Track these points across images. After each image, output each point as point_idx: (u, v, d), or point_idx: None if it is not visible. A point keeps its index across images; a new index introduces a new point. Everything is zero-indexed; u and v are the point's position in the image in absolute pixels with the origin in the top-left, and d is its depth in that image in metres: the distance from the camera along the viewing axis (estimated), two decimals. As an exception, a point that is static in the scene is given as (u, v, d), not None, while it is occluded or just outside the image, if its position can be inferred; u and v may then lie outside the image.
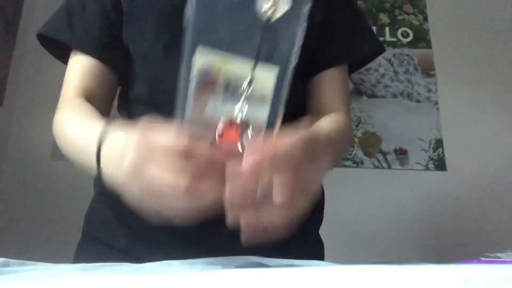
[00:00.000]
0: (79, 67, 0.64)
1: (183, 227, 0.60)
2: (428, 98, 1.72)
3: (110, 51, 0.63)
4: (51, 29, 0.65)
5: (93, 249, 0.65)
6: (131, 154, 0.40)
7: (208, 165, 0.39)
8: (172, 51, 0.61)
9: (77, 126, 0.58)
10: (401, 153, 1.65)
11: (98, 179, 0.69)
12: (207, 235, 0.62)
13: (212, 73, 0.43)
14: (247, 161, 0.38)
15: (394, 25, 1.82)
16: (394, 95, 1.72)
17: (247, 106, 0.44)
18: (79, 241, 0.69)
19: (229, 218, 0.41)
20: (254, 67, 0.43)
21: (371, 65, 1.75)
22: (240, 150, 0.43)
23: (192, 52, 0.42)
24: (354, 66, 0.73)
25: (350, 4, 0.74)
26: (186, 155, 0.38)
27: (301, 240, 0.68)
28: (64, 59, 0.67)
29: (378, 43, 0.72)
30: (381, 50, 0.72)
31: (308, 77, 0.70)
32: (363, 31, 0.73)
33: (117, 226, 0.64)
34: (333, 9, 0.67)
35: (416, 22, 1.83)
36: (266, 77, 0.44)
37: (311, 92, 0.70)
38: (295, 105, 0.69)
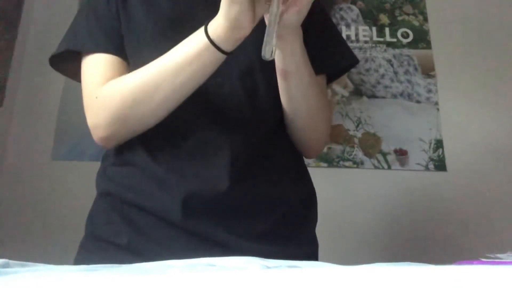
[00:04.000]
0: (100, 64, 0.66)
1: (185, 224, 0.62)
2: (428, 99, 1.72)
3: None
4: (74, 43, 0.69)
5: (96, 247, 0.66)
6: None
7: None
8: None
9: (155, 60, 0.61)
10: (401, 154, 1.65)
11: (101, 177, 0.71)
12: (209, 232, 0.63)
13: None
14: None
15: (394, 25, 1.82)
16: (394, 96, 1.72)
17: None
18: (81, 241, 0.70)
19: None
20: None
21: (371, 65, 1.76)
22: None
23: None
24: (330, 78, 0.80)
25: (327, 20, 0.82)
26: None
27: (296, 238, 0.69)
28: (67, 71, 0.73)
29: (353, 55, 0.80)
30: (356, 62, 0.80)
31: None
32: (340, 44, 0.81)
33: (120, 224, 0.65)
34: (313, 24, 0.71)
35: (416, 23, 1.83)
36: None
37: None
38: (278, 113, 0.71)
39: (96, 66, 0.66)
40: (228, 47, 0.57)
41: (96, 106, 0.64)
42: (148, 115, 0.62)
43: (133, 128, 0.64)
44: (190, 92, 0.61)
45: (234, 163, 0.65)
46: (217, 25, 0.55)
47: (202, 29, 0.57)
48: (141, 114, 0.62)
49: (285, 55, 0.61)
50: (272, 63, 0.66)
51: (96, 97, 0.64)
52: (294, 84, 0.64)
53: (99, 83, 0.64)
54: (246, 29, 0.55)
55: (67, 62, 0.70)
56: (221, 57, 0.57)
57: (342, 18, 1.81)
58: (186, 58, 0.58)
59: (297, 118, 0.69)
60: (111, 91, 0.63)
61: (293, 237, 0.69)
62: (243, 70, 0.67)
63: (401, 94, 1.73)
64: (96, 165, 0.75)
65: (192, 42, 0.58)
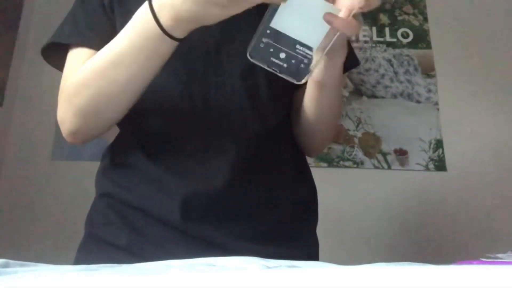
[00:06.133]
0: (80, 58, 0.64)
1: (184, 226, 0.62)
2: (428, 99, 1.72)
3: None
4: (59, 36, 0.67)
5: (95, 247, 0.66)
6: None
7: None
8: None
9: (107, 46, 0.57)
10: (401, 154, 1.65)
11: (100, 178, 0.70)
12: (209, 234, 0.63)
13: None
14: None
15: (394, 25, 1.82)
16: (394, 96, 1.73)
17: None
18: (81, 241, 0.70)
19: None
20: None
21: (371, 65, 1.76)
22: None
23: None
24: None
25: None
26: None
27: (297, 239, 0.69)
28: (62, 66, 0.69)
29: (355, 57, 0.78)
30: (356, 64, 0.78)
31: (296, 87, 0.72)
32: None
33: (119, 225, 0.65)
34: None
35: (416, 23, 1.83)
36: None
37: (299, 101, 0.72)
38: (285, 113, 0.71)
39: (76, 60, 0.64)
40: (182, 36, 0.51)
41: (61, 100, 0.62)
42: (106, 110, 0.59)
43: (95, 123, 0.62)
44: (149, 80, 0.56)
45: (235, 164, 0.64)
46: (174, 18, 0.49)
47: (149, 16, 0.50)
48: (100, 108, 0.59)
49: (325, 69, 0.58)
50: None
51: (62, 92, 0.62)
52: (326, 95, 0.64)
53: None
54: (213, 23, 0.49)
55: (61, 57, 0.68)
56: (175, 44, 0.52)
57: (342, 18, 1.81)
58: (138, 47, 0.53)
59: (316, 123, 0.69)
60: (71, 85, 0.60)
61: (294, 238, 0.69)
62: (245, 69, 0.65)
63: (401, 94, 1.73)
64: (96, 165, 0.75)
65: (140, 30, 0.52)
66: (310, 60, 0.46)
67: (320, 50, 0.46)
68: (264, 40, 0.45)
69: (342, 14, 0.45)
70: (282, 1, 0.43)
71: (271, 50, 0.45)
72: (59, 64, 0.68)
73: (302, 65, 0.46)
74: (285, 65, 0.46)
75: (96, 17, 0.66)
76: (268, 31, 0.45)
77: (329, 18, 0.44)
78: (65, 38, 0.66)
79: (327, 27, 0.45)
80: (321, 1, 0.44)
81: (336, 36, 0.45)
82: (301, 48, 0.46)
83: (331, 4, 0.45)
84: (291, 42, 0.45)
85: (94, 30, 0.65)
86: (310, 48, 0.46)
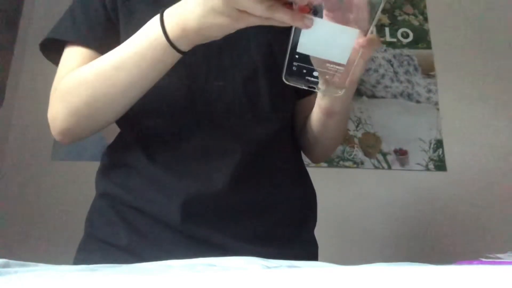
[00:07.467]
0: (76, 57, 0.64)
1: (184, 227, 0.62)
2: (428, 99, 1.72)
3: (114, 44, 0.63)
4: (57, 32, 0.67)
5: (95, 248, 0.66)
6: None
7: None
8: None
9: (112, 51, 0.57)
10: (401, 154, 1.65)
11: (100, 177, 0.70)
12: (208, 236, 0.63)
13: None
14: None
15: (394, 25, 1.82)
16: (394, 96, 1.73)
17: None
18: (80, 241, 0.70)
19: None
20: None
21: (371, 65, 1.76)
22: None
23: None
24: None
25: None
26: None
27: (296, 240, 0.69)
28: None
29: None
30: None
31: (300, 96, 0.74)
32: None
33: (119, 225, 0.65)
34: None
35: (416, 23, 1.83)
36: None
37: (305, 112, 0.73)
38: (286, 118, 0.71)
39: (71, 59, 0.64)
40: (187, 48, 0.52)
41: (54, 98, 0.62)
42: (101, 112, 0.59)
43: (88, 124, 0.61)
44: (147, 88, 0.57)
45: (235, 167, 0.64)
46: (181, 28, 0.49)
47: (156, 23, 0.51)
48: (95, 109, 0.59)
49: (336, 100, 0.60)
50: (276, 66, 0.65)
51: (56, 90, 0.62)
52: (334, 120, 0.65)
53: (64, 76, 0.62)
54: (217, 38, 0.49)
55: (59, 53, 0.68)
56: (178, 56, 0.53)
57: (342, 18, 1.81)
58: (141, 54, 0.53)
59: (322, 140, 0.71)
60: (68, 84, 0.60)
61: (293, 239, 0.69)
62: (246, 74, 0.65)
63: (401, 94, 1.73)
64: (96, 165, 0.75)
65: (146, 38, 0.53)
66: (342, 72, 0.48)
67: (349, 65, 0.47)
68: (295, 63, 0.47)
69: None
70: (303, 27, 0.43)
71: (304, 71, 0.47)
72: (58, 60, 0.68)
73: (337, 79, 0.48)
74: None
75: (95, 15, 0.65)
76: (297, 56, 0.46)
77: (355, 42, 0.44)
78: (62, 34, 0.66)
79: (351, 44, 0.46)
80: (339, 25, 0.44)
81: (360, 54, 0.46)
82: (332, 65, 0.47)
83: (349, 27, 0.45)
84: (321, 62, 0.47)
85: (92, 28, 0.64)
86: (340, 64, 0.47)
